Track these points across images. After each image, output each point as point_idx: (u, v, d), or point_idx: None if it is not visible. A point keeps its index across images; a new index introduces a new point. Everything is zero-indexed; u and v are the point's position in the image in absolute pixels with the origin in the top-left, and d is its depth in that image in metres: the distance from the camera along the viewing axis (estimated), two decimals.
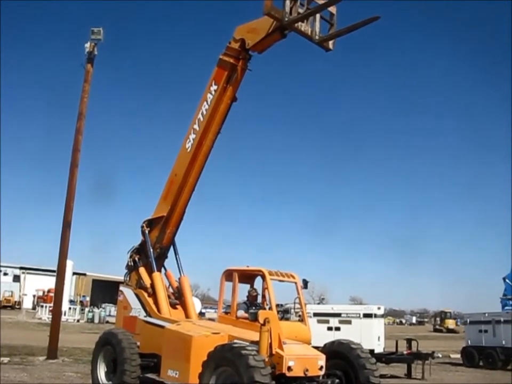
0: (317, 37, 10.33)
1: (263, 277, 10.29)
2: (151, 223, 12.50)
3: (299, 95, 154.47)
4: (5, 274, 74.28)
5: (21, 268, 75.53)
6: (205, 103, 11.53)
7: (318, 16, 10.27)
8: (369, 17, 9.43)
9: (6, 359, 16.29)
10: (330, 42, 10.58)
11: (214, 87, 11.44)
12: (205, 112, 11.51)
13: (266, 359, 8.34)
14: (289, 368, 8.63)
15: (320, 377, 9.25)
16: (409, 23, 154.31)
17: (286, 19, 9.84)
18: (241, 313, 10.31)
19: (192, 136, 11.68)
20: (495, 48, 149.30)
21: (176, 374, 9.65)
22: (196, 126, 11.65)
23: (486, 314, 25.42)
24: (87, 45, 19.34)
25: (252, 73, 11.44)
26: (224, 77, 11.29)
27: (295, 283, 10.49)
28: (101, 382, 11.36)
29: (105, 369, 11.37)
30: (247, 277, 10.82)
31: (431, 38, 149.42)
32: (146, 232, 12.42)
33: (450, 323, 71.42)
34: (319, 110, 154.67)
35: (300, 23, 10.07)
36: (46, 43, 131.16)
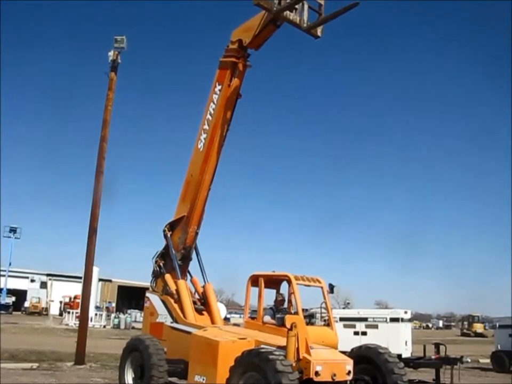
0: (304, 25, 10.82)
1: (289, 282, 10.26)
2: (172, 226, 12.64)
3: (300, 96, 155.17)
4: (32, 281, 75.76)
5: (48, 275, 76.88)
6: (212, 103, 12.03)
7: (306, 6, 10.77)
8: (349, 3, 9.75)
9: (35, 365, 16.55)
10: (319, 30, 11.05)
11: (218, 87, 11.97)
12: (212, 112, 11.98)
13: (294, 364, 8.30)
14: (316, 373, 8.58)
15: (348, 382, 9.19)
16: (410, 24, 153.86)
17: (275, 8, 10.32)
18: (267, 318, 10.30)
19: (203, 136, 12.11)
20: (496, 48, 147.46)
21: (203, 379, 9.63)
22: (205, 126, 12.09)
23: None
24: (111, 53, 19.45)
25: (256, 77, 11.85)
26: (227, 76, 11.86)
27: (321, 287, 10.45)
28: None
29: (133, 375, 11.42)
30: (273, 282, 10.80)
31: (433, 39, 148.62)
32: (169, 235, 12.54)
33: (479, 327, 69.98)
34: (318, 111, 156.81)
35: (288, 12, 10.52)
36: (63, 49, 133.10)
